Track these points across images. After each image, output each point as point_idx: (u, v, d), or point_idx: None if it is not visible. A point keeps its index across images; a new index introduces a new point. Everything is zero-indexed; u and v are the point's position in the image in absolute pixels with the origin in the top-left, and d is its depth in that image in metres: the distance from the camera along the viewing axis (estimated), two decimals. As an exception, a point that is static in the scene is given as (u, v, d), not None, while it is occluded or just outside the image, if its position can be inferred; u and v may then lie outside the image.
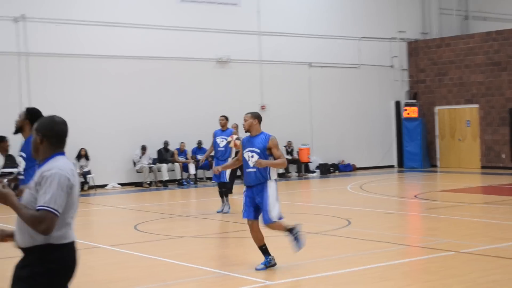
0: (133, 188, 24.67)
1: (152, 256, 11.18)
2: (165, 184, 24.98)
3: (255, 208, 9.89)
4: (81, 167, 23.91)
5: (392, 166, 31.76)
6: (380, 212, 16.17)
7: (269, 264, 9.73)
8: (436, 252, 10.80)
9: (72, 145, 23.45)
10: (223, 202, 16.69)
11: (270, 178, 9.76)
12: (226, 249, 11.67)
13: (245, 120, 9.98)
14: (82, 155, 23.99)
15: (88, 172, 24.04)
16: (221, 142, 16.26)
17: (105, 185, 24.78)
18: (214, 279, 9.26)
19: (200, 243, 12.44)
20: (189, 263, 10.36)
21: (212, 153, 17.16)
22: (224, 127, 16.61)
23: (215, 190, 24.00)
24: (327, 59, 30.14)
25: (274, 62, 28.70)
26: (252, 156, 9.76)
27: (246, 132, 10.06)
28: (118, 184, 25.12)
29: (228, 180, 16.95)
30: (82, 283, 9.26)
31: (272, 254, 9.86)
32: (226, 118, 16.78)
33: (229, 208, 16.66)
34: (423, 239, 12.44)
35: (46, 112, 22.80)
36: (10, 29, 23.37)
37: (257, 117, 10.06)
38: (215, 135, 16.62)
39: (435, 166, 31.13)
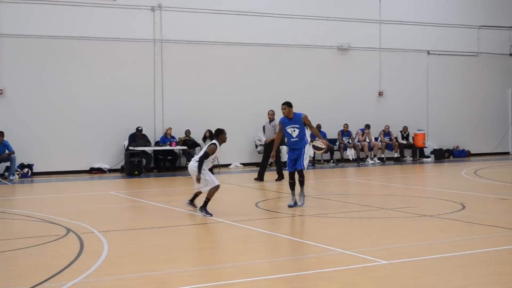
0: (254, 168, 24.86)
1: (272, 232, 11.23)
2: (284, 164, 25.02)
3: None
4: (207, 147, 24.31)
5: (507, 153, 30.70)
6: (494, 197, 15.64)
7: None
8: (553, 239, 10.33)
9: (198, 126, 24.10)
10: (293, 194, 14.27)
11: None
12: (343, 228, 11.57)
13: None
14: (207, 136, 24.38)
15: (213, 152, 24.39)
16: (293, 131, 13.96)
17: (229, 165, 25.14)
18: (331, 257, 9.19)
19: (318, 222, 12.40)
20: (308, 241, 10.34)
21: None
22: (290, 115, 13.98)
23: (333, 171, 24.07)
24: (445, 47, 29.40)
25: (393, 49, 28.24)
26: None
27: None
28: (241, 163, 25.44)
29: (304, 167, 14.05)
30: (207, 255, 9.44)
31: None
32: (289, 105, 14.04)
33: (302, 201, 14.24)
34: (539, 226, 11.93)
35: (178, 94, 23.45)
36: (148, 17, 24.06)
37: None
38: (283, 124, 14.14)
39: (552, 154, 29.89)
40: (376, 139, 27.66)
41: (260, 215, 13.25)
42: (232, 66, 25.35)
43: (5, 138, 21.53)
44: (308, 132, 14.14)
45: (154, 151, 23.82)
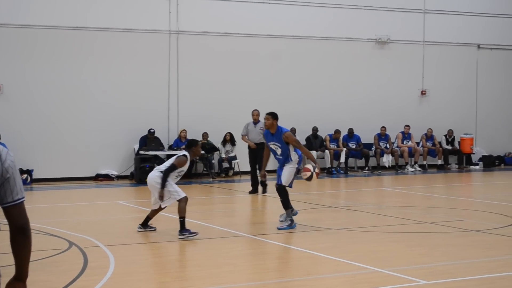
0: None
1: (298, 248, 11.26)
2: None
3: None
4: (227, 152, 24.44)
5: None
6: (552, 211, 15.55)
7: None
8: None
9: (217, 128, 24.15)
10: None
11: None
12: (378, 243, 11.57)
13: None
14: (227, 140, 24.48)
15: (234, 158, 24.50)
16: (276, 149, 13.15)
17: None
18: (364, 275, 9.21)
19: (349, 236, 12.41)
20: (337, 257, 10.36)
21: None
22: (272, 129, 13.17)
23: (368, 180, 24.02)
24: (498, 40, 29.24)
25: (438, 43, 28.15)
26: None
27: None
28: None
29: (283, 182, 13.07)
30: (226, 272, 9.49)
31: None
32: (274, 117, 13.23)
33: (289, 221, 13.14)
34: None
35: (195, 92, 23.41)
36: (163, 6, 24.18)
37: None
38: (266, 138, 13.52)
39: None
40: (417, 143, 27.56)
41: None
42: (256, 61, 25.37)
43: (1, 140, 21.71)
44: (292, 149, 13.02)
45: (168, 155, 23.90)
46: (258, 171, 18.80)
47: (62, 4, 23.00)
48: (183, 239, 11.86)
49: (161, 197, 12.04)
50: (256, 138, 19.31)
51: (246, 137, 19.70)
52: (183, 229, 11.98)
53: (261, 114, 19.26)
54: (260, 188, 19.26)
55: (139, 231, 12.60)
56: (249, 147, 19.70)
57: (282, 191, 12.96)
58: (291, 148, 13.01)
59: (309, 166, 12.92)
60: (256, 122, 19.60)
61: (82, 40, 23.24)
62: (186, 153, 12.28)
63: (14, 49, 22.51)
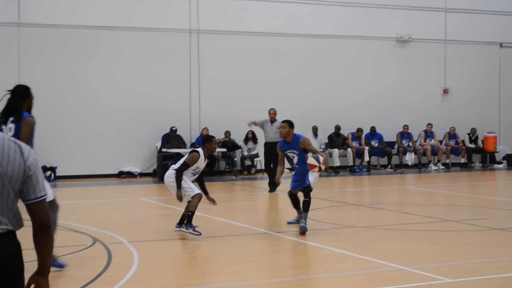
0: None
1: (321, 245, 11.21)
2: (336, 170, 25.05)
3: None
4: (249, 150, 24.44)
5: None
6: None
7: None
8: None
9: (239, 127, 24.13)
10: (299, 213, 13.06)
11: None
12: (401, 241, 11.52)
13: None
14: (249, 138, 24.47)
15: (256, 155, 24.49)
16: (293, 157, 12.74)
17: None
18: (388, 273, 9.16)
19: (373, 234, 12.36)
20: (360, 255, 10.32)
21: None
22: (288, 138, 12.78)
23: (391, 178, 23.95)
24: (521, 38, 29.07)
25: (460, 41, 28.00)
26: None
27: None
28: (287, 168, 25.38)
29: (310, 183, 12.55)
30: (247, 269, 9.47)
31: None
32: (290, 125, 12.86)
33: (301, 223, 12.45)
34: None
35: (216, 90, 23.39)
36: (184, 5, 24.19)
37: None
38: (282, 149, 12.99)
39: None
40: (440, 142, 27.41)
41: (307, 226, 13.22)
42: (277, 59, 25.33)
43: (25, 138, 21.81)
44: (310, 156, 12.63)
45: (190, 153, 23.94)
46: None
47: (85, 3, 23.07)
48: (185, 232, 11.78)
49: (180, 197, 11.84)
50: (272, 137, 19.20)
51: (261, 128, 19.89)
52: (189, 223, 11.87)
53: (278, 113, 19.43)
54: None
55: (176, 231, 12.22)
56: (264, 145, 19.70)
57: (308, 191, 12.50)
58: (308, 155, 12.58)
59: (313, 161, 12.29)
60: (272, 120, 19.57)
61: (104, 39, 23.32)
62: (199, 150, 12.05)
63: (37, 49, 22.61)
